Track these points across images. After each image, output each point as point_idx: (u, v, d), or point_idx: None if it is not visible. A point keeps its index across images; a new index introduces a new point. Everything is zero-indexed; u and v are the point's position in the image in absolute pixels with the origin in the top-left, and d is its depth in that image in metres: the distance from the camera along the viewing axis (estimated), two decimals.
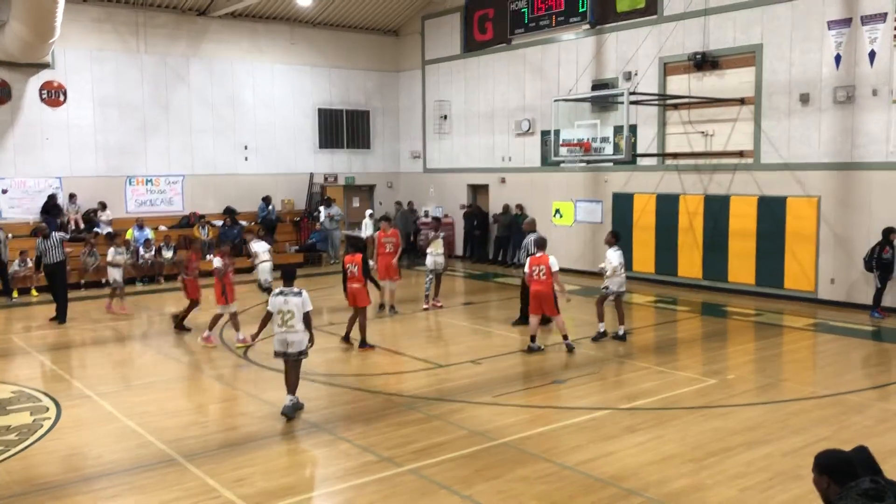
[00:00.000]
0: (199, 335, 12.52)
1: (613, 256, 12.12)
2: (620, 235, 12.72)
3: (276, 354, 8.69)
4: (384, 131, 25.76)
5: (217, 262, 12.31)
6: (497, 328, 13.59)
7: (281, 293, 8.55)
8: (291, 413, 8.47)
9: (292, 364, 8.62)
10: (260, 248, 14.68)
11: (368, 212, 23.03)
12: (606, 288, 12.22)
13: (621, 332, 12.23)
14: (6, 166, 19.28)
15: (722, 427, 8.13)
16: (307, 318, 8.50)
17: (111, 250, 15.23)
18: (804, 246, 15.45)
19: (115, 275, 15.10)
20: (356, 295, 11.70)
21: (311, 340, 8.67)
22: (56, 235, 14.88)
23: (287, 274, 8.87)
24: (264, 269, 14.69)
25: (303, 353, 8.63)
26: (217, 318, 12.47)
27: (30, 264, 17.59)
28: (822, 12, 14.98)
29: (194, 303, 13.32)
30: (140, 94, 20.99)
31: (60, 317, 14.42)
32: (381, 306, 14.88)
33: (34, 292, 17.57)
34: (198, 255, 13.75)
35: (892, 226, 13.86)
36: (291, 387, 8.62)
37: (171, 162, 21.61)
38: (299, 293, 8.51)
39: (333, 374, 10.46)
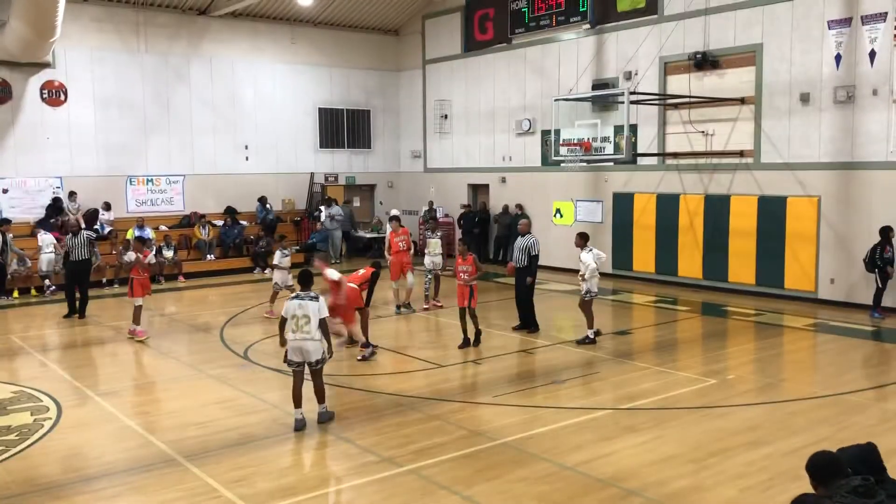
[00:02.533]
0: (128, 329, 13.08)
1: (588, 258, 11.88)
2: (588, 236, 12.41)
3: (291, 363, 8.20)
4: (385, 131, 25.76)
5: (130, 255, 12.98)
6: (497, 328, 13.57)
7: (297, 297, 8.18)
8: (326, 420, 8.33)
9: (314, 372, 8.23)
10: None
11: (394, 211, 22.85)
12: (588, 292, 11.96)
13: (592, 335, 12.05)
14: (7, 166, 19.27)
15: (722, 427, 8.14)
16: (323, 325, 8.11)
17: (277, 253, 14.51)
18: (804, 246, 15.45)
19: (277, 278, 14.35)
20: (348, 297, 11.67)
21: (330, 352, 8.34)
22: (85, 234, 15.16)
23: (304, 278, 8.40)
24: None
25: (321, 361, 8.23)
26: (137, 310, 12.95)
27: (29, 264, 17.63)
28: (822, 12, 14.98)
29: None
30: (141, 93, 20.99)
31: (81, 312, 14.79)
32: (398, 307, 14.92)
33: (33, 292, 17.58)
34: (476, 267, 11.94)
35: (889, 225, 13.85)
36: (319, 395, 8.37)
37: (171, 161, 21.61)
38: (316, 298, 8.16)
39: (334, 374, 10.44)
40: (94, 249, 15.48)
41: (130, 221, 20.09)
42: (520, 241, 12.96)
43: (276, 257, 14.52)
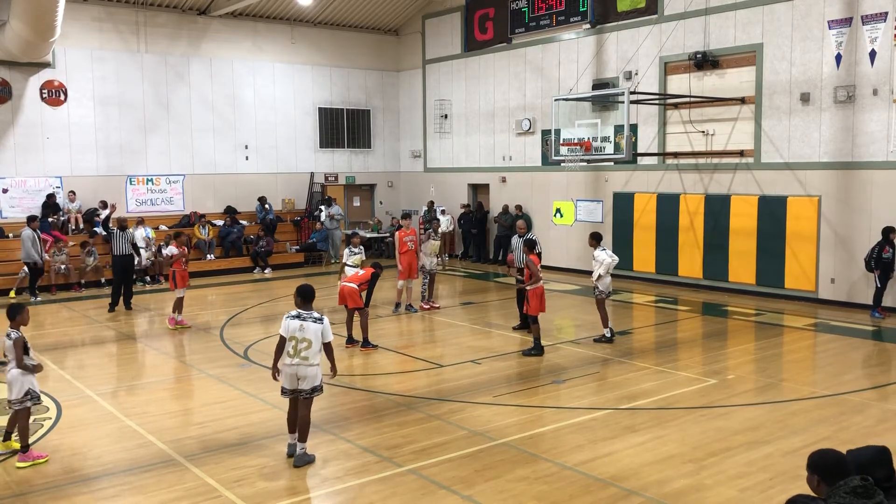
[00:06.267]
0: (170, 319, 13.90)
1: (604, 256, 12.04)
2: (601, 237, 12.55)
3: (284, 392, 7.33)
4: (385, 130, 25.77)
5: (172, 249, 13.73)
6: (497, 328, 13.58)
7: (298, 316, 7.22)
8: (302, 463, 7.20)
9: (303, 401, 7.27)
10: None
11: (440, 208, 23.10)
12: (600, 291, 12.13)
13: (608, 334, 12.19)
14: (7, 166, 19.29)
15: (722, 427, 8.13)
16: (328, 349, 7.34)
17: (346, 251, 14.10)
18: (805, 245, 15.45)
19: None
20: (348, 296, 11.68)
21: (334, 370, 7.63)
22: (130, 231, 15.97)
23: (305, 294, 7.42)
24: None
25: (317, 390, 7.29)
26: (179, 301, 13.78)
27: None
28: (822, 12, 14.98)
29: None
30: (140, 93, 21.00)
31: (127, 304, 15.65)
32: (397, 305, 14.93)
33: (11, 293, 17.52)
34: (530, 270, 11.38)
35: (891, 225, 13.86)
36: (302, 432, 7.25)
37: (171, 161, 21.62)
38: (320, 319, 7.22)
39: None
40: (136, 247, 16.44)
41: (130, 221, 20.08)
42: (517, 241, 13.00)
43: (345, 255, 14.14)
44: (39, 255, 16.78)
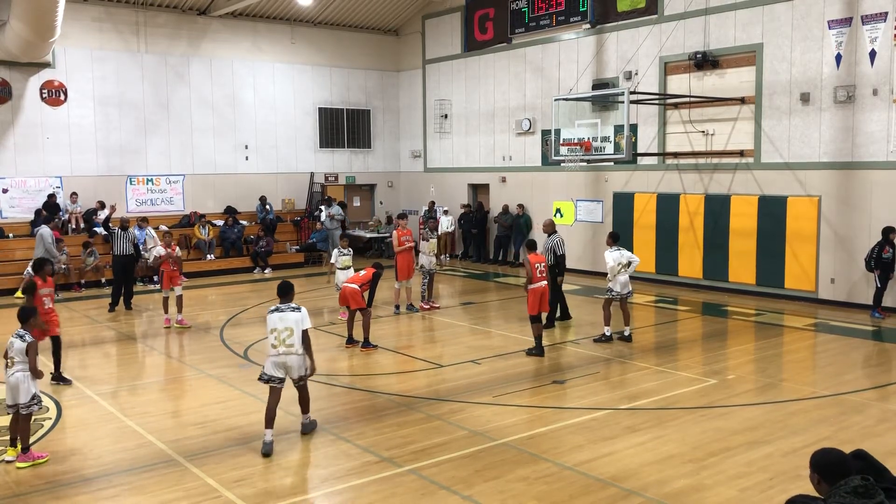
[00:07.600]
0: (175, 320, 13.91)
1: (608, 258, 12.13)
2: (618, 236, 12.65)
3: (272, 379, 7.67)
4: (385, 130, 25.77)
5: (160, 250, 14.00)
6: (497, 328, 13.58)
7: (277, 310, 7.73)
8: (311, 430, 8.05)
9: (299, 388, 7.97)
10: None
11: (443, 208, 23.11)
12: (610, 290, 12.18)
13: (627, 333, 12.21)
14: (7, 166, 19.29)
15: (722, 427, 8.13)
16: (306, 338, 7.73)
17: (335, 252, 14.18)
18: (805, 246, 15.45)
19: (340, 278, 13.69)
20: (350, 297, 11.68)
21: (312, 369, 7.92)
22: (132, 231, 16.05)
23: (283, 289, 7.91)
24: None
25: (304, 378, 7.90)
26: (166, 300, 14.02)
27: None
28: (822, 12, 14.98)
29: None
30: (141, 93, 21.00)
31: (127, 304, 15.76)
32: (397, 307, 14.92)
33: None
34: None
35: (891, 225, 13.86)
36: (305, 405, 8.06)
37: (171, 161, 21.63)
38: (298, 308, 7.72)
39: (333, 374, 10.46)
40: (137, 246, 16.53)
41: (130, 221, 20.06)
42: (545, 241, 13.02)
43: (333, 255, 14.27)
44: (56, 253, 16.92)
